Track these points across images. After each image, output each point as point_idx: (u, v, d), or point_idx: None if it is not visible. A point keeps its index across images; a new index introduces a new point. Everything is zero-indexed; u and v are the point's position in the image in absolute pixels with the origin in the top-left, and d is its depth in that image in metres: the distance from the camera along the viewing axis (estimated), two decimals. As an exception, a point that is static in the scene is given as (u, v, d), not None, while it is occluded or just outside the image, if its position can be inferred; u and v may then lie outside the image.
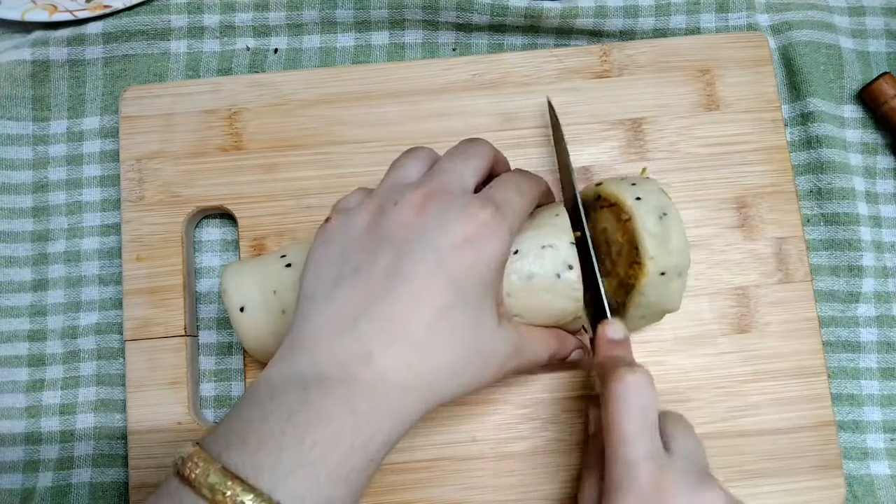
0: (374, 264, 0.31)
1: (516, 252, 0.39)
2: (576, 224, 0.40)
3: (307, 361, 0.30)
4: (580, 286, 0.39)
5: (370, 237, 0.33)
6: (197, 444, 0.29)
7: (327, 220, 0.35)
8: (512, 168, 0.40)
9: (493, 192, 0.34)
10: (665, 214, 0.39)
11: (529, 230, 0.40)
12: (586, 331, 0.45)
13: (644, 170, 0.46)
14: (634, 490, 0.31)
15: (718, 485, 0.33)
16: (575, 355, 0.41)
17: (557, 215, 0.41)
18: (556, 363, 0.40)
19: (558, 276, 0.39)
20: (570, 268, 0.39)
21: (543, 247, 0.39)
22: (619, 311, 0.41)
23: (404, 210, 0.32)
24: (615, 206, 0.41)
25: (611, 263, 0.41)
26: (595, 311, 0.39)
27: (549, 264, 0.39)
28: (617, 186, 0.41)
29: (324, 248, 0.34)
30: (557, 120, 0.45)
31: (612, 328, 0.37)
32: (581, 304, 0.40)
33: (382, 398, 0.29)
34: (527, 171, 0.38)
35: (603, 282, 0.39)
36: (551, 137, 0.47)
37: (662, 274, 0.39)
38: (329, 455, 0.28)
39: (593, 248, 0.40)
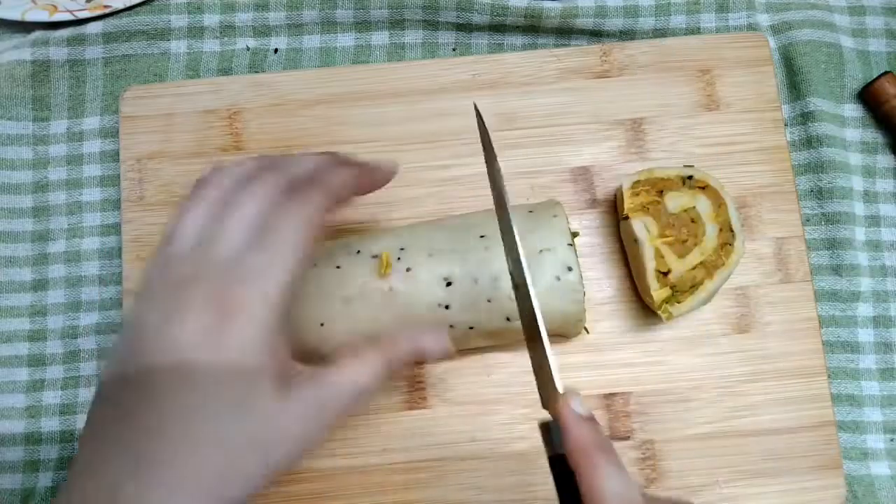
0: (120, 371, 0.29)
1: None
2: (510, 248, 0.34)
3: None
4: (581, 287, 0.39)
5: (130, 328, 0.30)
6: None
7: None
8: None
9: (251, 256, 0.30)
10: (737, 207, 0.44)
11: (527, 234, 0.40)
12: (587, 331, 0.45)
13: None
14: None
15: None
16: (432, 348, 0.34)
17: (555, 216, 0.41)
18: (415, 365, 0.35)
19: (558, 278, 0.39)
20: (570, 269, 0.39)
21: (541, 251, 0.39)
22: (677, 297, 0.42)
23: (152, 294, 0.31)
24: (709, 190, 0.43)
25: (693, 242, 0.42)
26: (539, 370, 0.33)
27: (548, 267, 0.39)
28: (704, 173, 0.44)
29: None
30: (485, 129, 0.38)
31: (578, 402, 0.30)
32: (583, 306, 0.40)
33: None
34: (299, 187, 0.33)
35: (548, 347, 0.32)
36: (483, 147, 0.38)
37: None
38: None
39: (669, 226, 0.41)
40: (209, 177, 0.34)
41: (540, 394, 0.32)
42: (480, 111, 0.38)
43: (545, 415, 0.31)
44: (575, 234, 0.42)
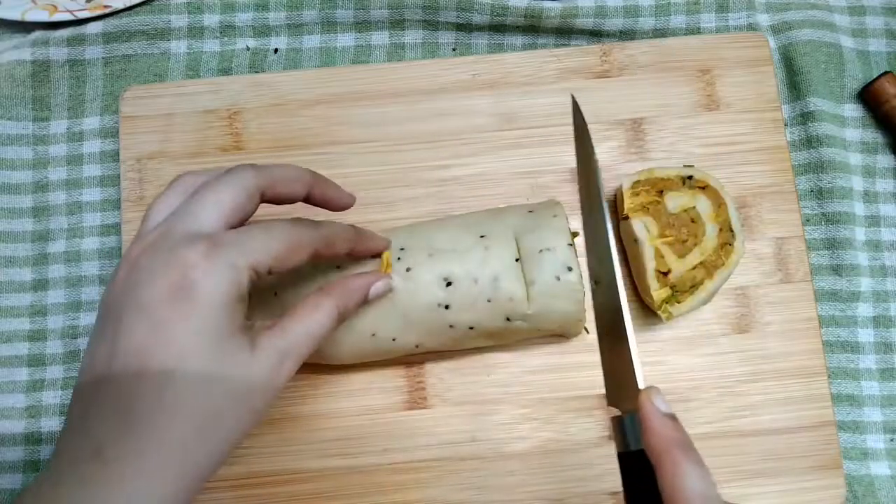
0: (99, 343, 0.31)
1: (517, 260, 0.40)
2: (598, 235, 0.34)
3: (44, 466, 0.30)
4: (580, 287, 0.39)
5: (103, 304, 0.32)
6: None
7: None
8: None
9: (226, 232, 0.32)
10: (737, 207, 0.44)
11: (527, 234, 0.40)
12: (587, 331, 0.45)
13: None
14: None
15: None
16: (376, 289, 0.39)
17: (555, 216, 0.41)
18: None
19: (558, 278, 0.39)
20: (570, 269, 0.39)
21: (541, 251, 0.39)
22: (677, 298, 0.42)
23: (121, 267, 0.31)
24: (709, 190, 0.43)
25: (693, 242, 0.42)
26: (611, 347, 0.33)
27: (548, 267, 0.39)
28: (704, 173, 0.44)
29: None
30: (583, 120, 0.37)
31: (661, 399, 0.30)
32: (583, 305, 0.40)
33: (128, 491, 0.28)
34: (299, 220, 0.35)
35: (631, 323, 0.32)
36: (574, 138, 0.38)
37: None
38: None
39: (669, 226, 0.41)
40: (186, 171, 0.36)
41: (607, 389, 0.32)
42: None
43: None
44: (575, 234, 0.42)
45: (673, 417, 0.29)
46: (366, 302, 0.39)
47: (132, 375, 0.29)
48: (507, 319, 0.40)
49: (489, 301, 0.39)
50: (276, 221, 0.34)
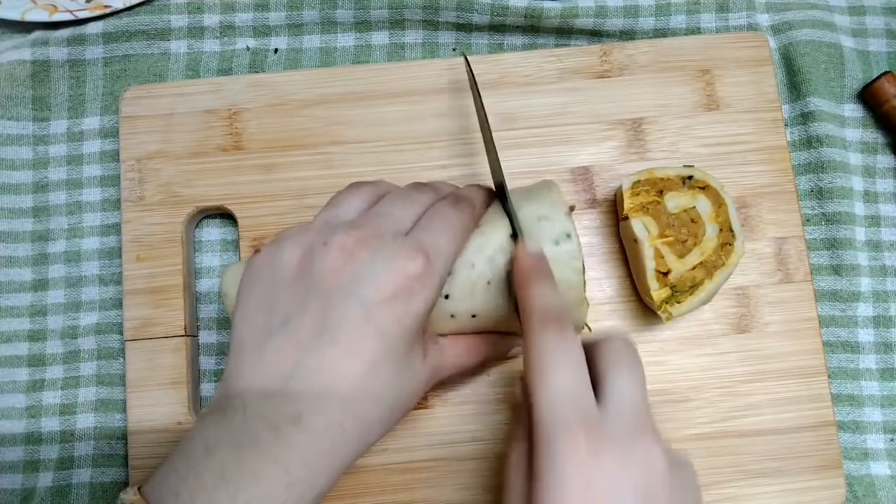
0: (301, 317, 0.32)
1: (512, 236, 0.39)
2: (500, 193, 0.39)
3: (239, 420, 0.31)
4: (580, 255, 0.39)
5: (297, 282, 0.32)
6: (139, 491, 0.30)
7: (256, 251, 0.35)
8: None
9: (424, 235, 0.34)
10: (737, 207, 0.44)
11: (525, 204, 0.40)
12: (589, 329, 0.45)
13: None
14: (557, 469, 0.27)
15: (655, 440, 0.29)
16: (514, 351, 0.43)
17: (551, 190, 0.41)
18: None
19: (557, 243, 0.38)
20: (569, 237, 0.38)
21: (539, 219, 0.39)
22: (676, 297, 0.42)
23: (333, 254, 0.32)
24: (710, 190, 0.43)
25: (693, 242, 0.42)
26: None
27: (546, 235, 0.39)
28: (704, 173, 0.44)
29: (252, 287, 0.34)
30: (475, 81, 0.41)
31: (530, 242, 0.34)
32: (582, 277, 0.39)
33: (315, 456, 0.30)
34: (459, 199, 0.37)
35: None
36: (476, 105, 0.41)
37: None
38: None
39: (669, 226, 0.43)
40: (362, 181, 0.38)
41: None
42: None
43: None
44: (572, 208, 0.42)
45: (543, 261, 0.34)
46: (507, 358, 0.44)
47: (340, 354, 0.31)
48: (510, 293, 0.39)
49: (489, 283, 0.39)
50: (449, 212, 0.35)
